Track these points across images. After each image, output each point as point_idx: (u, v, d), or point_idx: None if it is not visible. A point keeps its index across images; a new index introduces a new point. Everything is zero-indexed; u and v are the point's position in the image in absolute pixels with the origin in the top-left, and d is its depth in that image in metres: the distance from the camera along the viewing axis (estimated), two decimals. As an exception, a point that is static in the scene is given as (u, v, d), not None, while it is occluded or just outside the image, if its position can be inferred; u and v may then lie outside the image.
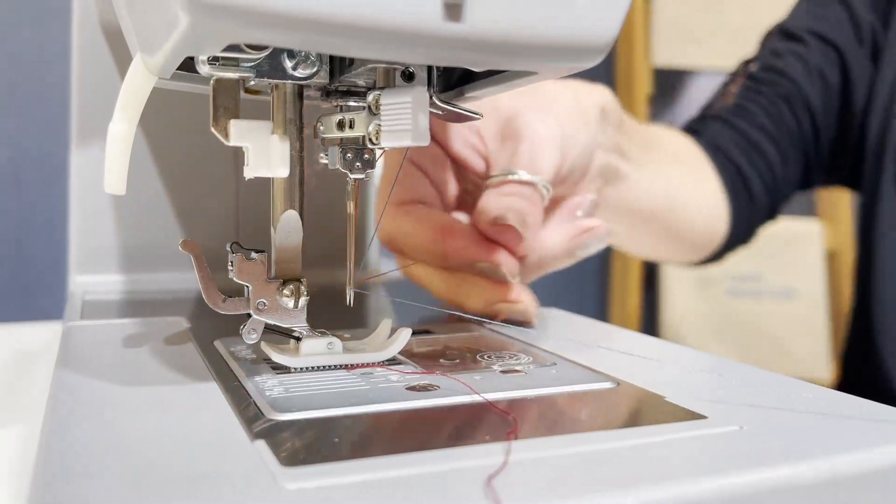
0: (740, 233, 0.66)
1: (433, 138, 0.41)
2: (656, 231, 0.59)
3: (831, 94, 0.66)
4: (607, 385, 0.26)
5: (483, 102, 0.38)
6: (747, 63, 0.70)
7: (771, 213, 0.68)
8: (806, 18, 0.69)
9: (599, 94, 0.45)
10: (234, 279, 0.26)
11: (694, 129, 0.68)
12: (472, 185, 0.41)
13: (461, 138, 0.40)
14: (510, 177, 0.37)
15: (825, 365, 1.56)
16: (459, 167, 0.41)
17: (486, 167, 0.40)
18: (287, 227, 0.27)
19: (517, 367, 0.28)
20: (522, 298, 0.35)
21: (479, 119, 0.28)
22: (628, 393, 0.26)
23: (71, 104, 0.44)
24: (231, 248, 0.27)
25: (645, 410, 0.24)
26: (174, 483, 0.18)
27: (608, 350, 0.32)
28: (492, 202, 0.36)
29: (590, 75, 0.32)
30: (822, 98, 0.66)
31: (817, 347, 1.56)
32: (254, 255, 0.26)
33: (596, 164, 0.43)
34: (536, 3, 0.20)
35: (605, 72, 1.63)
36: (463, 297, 0.37)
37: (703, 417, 0.23)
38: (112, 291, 0.43)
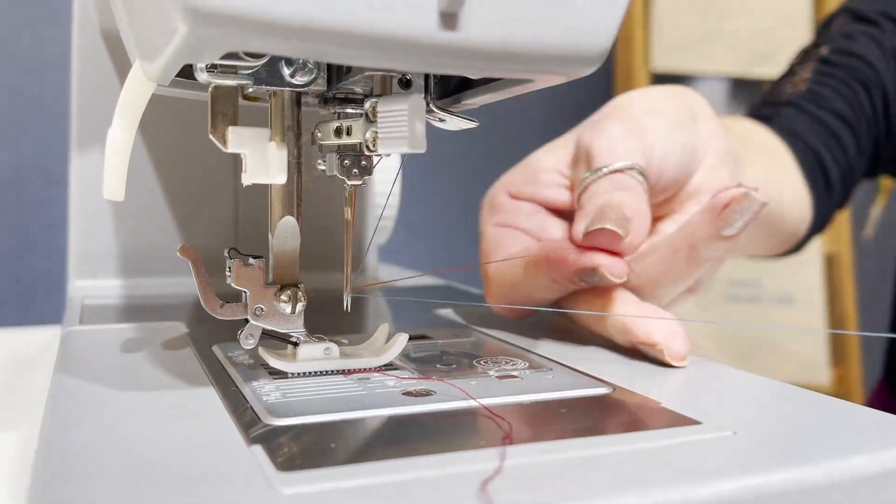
0: (820, 221, 0.64)
1: (517, 196, 0.39)
2: (756, 227, 0.56)
3: None
4: (603, 390, 0.27)
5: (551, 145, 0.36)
6: (816, 47, 0.68)
7: (843, 201, 0.66)
8: (876, 1, 0.66)
9: (670, 92, 0.41)
10: (232, 285, 0.27)
11: (766, 115, 0.65)
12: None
13: (541, 183, 0.39)
14: (593, 176, 0.35)
15: (824, 370, 1.56)
16: (556, 210, 0.39)
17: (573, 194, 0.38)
18: (284, 233, 0.27)
19: (513, 373, 0.28)
20: (656, 341, 0.31)
21: (475, 126, 0.28)
22: (623, 398, 0.26)
23: (71, 109, 0.44)
24: (229, 253, 0.27)
25: (639, 416, 0.24)
26: (171, 487, 0.18)
27: (605, 356, 0.32)
28: (583, 210, 0.34)
29: (589, 80, 0.31)
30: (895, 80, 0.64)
31: (816, 353, 1.56)
32: (251, 260, 0.27)
33: (724, 158, 0.40)
34: (531, 12, 0.20)
35: (605, 77, 1.64)
36: (609, 333, 0.34)
37: (698, 423, 0.23)
38: (111, 296, 0.43)
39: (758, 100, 0.69)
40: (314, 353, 0.27)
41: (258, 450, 0.20)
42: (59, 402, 0.24)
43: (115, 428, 0.22)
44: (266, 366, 0.28)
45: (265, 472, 0.19)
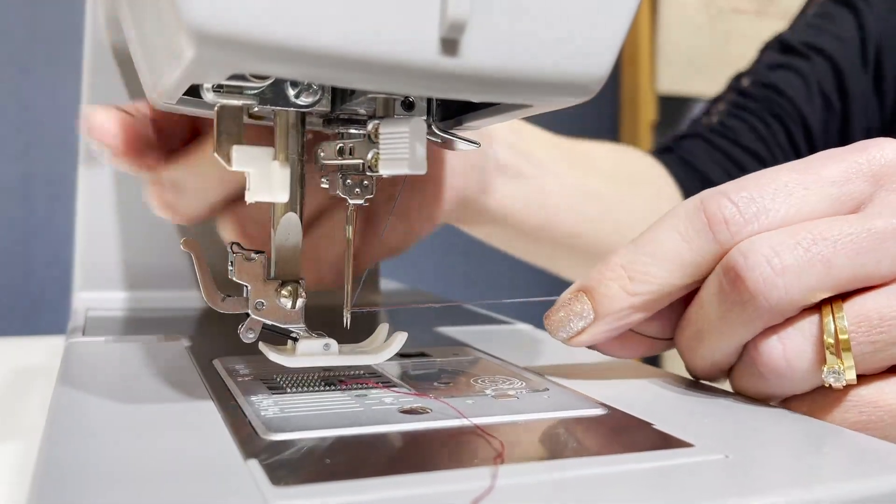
0: None
1: None
2: (558, 243, 0.55)
3: (833, 114, 0.62)
4: (598, 411, 0.27)
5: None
6: (739, 77, 0.67)
7: None
8: (807, 32, 0.64)
9: None
10: (234, 279, 0.27)
11: (667, 147, 0.65)
12: None
13: None
14: None
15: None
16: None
17: None
18: (287, 228, 0.27)
19: (510, 392, 0.29)
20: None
21: (477, 147, 0.29)
22: (617, 419, 0.26)
23: (80, 122, 0.45)
24: (232, 248, 0.27)
25: (632, 437, 0.25)
26: (166, 501, 0.18)
27: (602, 376, 0.32)
28: None
29: (596, 103, 0.32)
30: (822, 116, 0.61)
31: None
32: (253, 255, 0.27)
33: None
34: (530, 39, 0.21)
35: (611, 98, 1.65)
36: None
37: (690, 445, 0.23)
38: (115, 308, 0.44)
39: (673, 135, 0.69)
40: (313, 349, 0.27)
41: (254, 464, 0.20)
42: (60, 413, 0.25)
43: (113, 442, 0.22)
44: (265, 381, 0.28)
45: (260, 486, 0.19)
